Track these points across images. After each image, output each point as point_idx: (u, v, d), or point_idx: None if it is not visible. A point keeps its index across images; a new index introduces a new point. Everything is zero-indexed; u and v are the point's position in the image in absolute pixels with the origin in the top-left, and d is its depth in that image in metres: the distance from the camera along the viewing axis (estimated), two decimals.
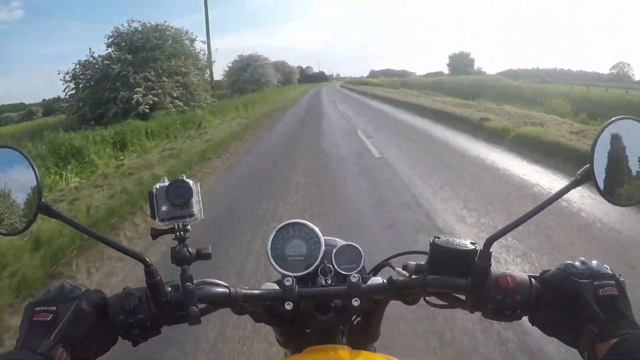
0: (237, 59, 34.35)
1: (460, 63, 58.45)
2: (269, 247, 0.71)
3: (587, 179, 0.54)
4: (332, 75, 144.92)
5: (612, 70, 57.92)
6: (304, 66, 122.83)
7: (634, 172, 0.55)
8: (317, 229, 0.73)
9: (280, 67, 52.30)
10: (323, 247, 0.71)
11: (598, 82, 28.22)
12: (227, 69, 34.07)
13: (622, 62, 58.34)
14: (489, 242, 0.55)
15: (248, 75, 32.62)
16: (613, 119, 0.55)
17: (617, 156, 0.55)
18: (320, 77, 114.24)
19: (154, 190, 0.60)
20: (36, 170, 0.54)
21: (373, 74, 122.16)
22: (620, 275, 0.53)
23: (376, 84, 46.54)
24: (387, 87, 37.62)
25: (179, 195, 0.59)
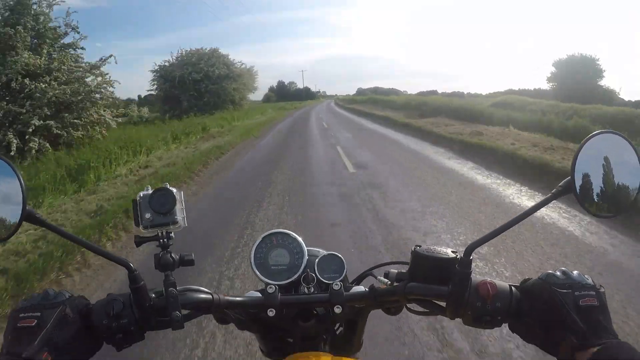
0: None
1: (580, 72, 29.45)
2: (252, 256, 0.76)
3: (568, 190, 0.58)
4: (318, 92, 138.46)
5: None
6: (285, 81, 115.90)
7: (614, 185, 0.59)
8: (300, 239, 0.77)
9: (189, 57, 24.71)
10: (306, 257, 0.75)
11: None
12: None
13: None
14: (469, 250, 0.60)
15: None
16: (594, 132, 0.60)
17: (597, 169, 0.59)
18: (305, 94, 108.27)
19: (138, 198, 0.64)
20: (21, 178, 0.57)
21: (361, 92, 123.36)
22: (601, 286, 0.57)
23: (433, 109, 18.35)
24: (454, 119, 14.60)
25: (162, 203, 0.63)
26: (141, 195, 0.65)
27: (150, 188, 0.66)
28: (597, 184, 0.59)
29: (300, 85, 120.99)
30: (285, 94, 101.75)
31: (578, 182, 0.58)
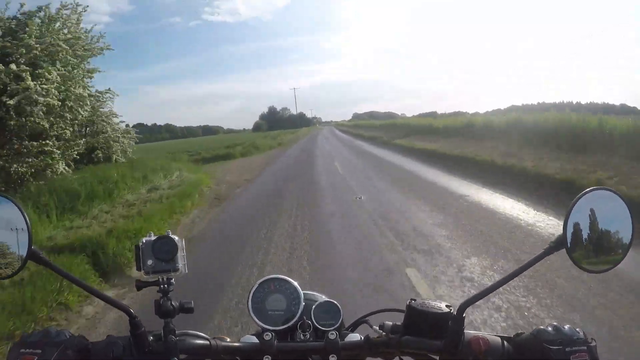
0: None
1: None
2: (250, 300, 0.80)
3: (560, 246, 0.62)
4: (314, 118, 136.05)
5: None
6: (278, 107, 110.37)
7: (606, 241, 0.64)
8: (297, 285, 0.82)
9: None
10: (302, 303, 0.79)
11: None
12: None
13: None
14: (462, 308, 0.64)
15: None
16: (587, 189, 0.64)
17: (590, 225, 0.63)
18: (300, 121, 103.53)
19: (140, 244, 0.69)
20: (27, 218, 0.62)
21: (357, 116, 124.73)
22: (592, 339, 0.60)
23: None
24: None
25: (164, 250, 0.68)
26: (144, 242, 0.69)
27: (153, 235, 0.70)
28: (589, 240, 0.63)
29: (293, 110, 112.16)
30: (278, 122, 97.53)
31: (570, 239, 0.62)
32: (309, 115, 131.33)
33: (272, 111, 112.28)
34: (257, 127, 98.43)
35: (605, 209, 0.64)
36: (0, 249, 0.62)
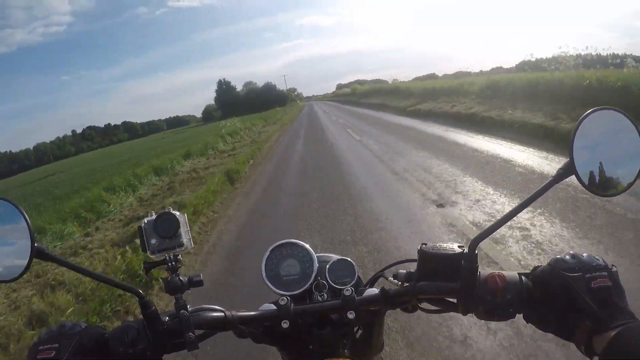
0: None
1: None
2: (263, 268, 0.86)
3: (569, 172, 0.64)
4: (294, 91, 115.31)
5: None
6: (237, 85, 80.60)
7: (615, 163, 0.66)
8: (309, 247, 0.88)
9: None
10: (316, 264, 0.86)
11: None
12: None
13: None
14: (473, 244, 0.68)
15: None
16: (590, 110, 0.65)
17: (598, 148, 0.65)
18: (275, 97, 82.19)
19: (143, 225, 0.74)
20: (27, 218, 0.67)
21: (341, 87, 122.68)
22: (613, 265, 0.63)
23: None
24: None
25: (166, 227, 0.74)
26: (145, 222, 0.75)
27: (154, 214, 0.76)
28: (598, 164, 0.65)
29: (260, 83, 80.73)
30: (237, 103, 71.11)
31: (578, 163, 0.64)
32: (281, 87, 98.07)
33: (225, 88, 78.79)
34: (208, 116, 77.28)
35: (612, 129, 0.66)
36: (3, 250, 0.68)
